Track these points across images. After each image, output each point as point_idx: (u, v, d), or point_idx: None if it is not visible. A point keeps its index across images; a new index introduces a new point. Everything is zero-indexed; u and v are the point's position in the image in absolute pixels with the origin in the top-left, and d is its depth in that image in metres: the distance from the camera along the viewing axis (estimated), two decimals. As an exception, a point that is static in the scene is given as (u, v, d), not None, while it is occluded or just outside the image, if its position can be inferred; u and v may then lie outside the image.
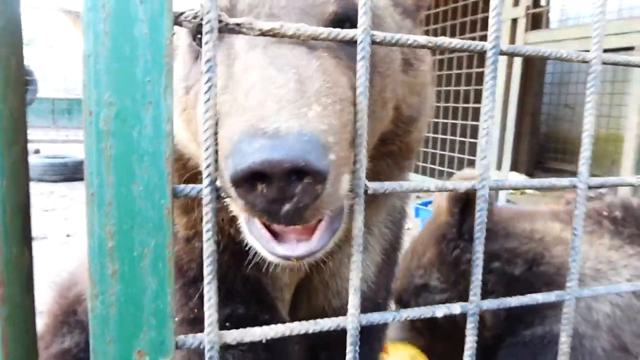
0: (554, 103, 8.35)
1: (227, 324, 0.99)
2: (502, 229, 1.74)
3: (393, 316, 0.62)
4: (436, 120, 5.85)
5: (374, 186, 0.57)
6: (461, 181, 0.62)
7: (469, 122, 5.42)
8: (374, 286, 1.26)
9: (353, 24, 0.59)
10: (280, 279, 1.12)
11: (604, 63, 0.69)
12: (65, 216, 4.30)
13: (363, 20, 0.54)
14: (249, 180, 0.54)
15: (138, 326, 0.50)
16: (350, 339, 0.58)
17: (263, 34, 0.51)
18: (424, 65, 0.99)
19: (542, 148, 8.19)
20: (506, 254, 1.69)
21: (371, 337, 1.36)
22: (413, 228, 3.44)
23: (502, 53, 0.61)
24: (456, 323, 1.76)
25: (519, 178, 5.80)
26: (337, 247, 1.17)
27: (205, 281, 0.52)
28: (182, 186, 0.51)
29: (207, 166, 0.50)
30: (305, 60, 0.67)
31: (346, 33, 0.54)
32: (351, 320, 0.58)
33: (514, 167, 6.76)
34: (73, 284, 1.56)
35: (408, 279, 1.87)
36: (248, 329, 0.55)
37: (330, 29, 0.54)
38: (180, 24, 0.49)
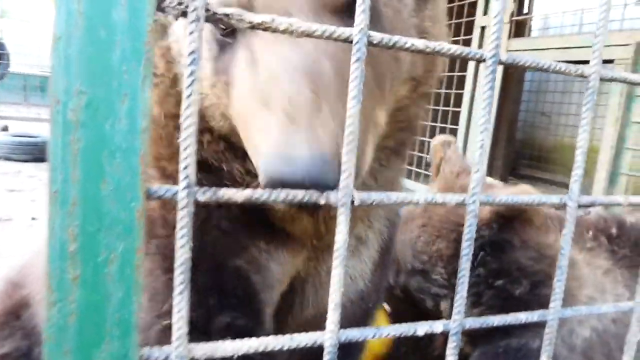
0: (531, 110, 8.47)
1: (226, 333, 0.93)
2: (520, 240, 1.68)
3: (373, 333, 0.59)
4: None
5: (362, 197, 0.54)
6: (451, 196, 0.59)
7: (448, 126, 5.44)
8: (370, 285, 1.23)
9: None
10: (272, 274, 1.05)
11: (602, 79, 0.67)
12: (32, 198, 4.16)
13: (360, 19, 0.50)
14: None
15: (99, 337, 0.46)
16: (326, 356, 0.55)
17: (253, 27, 0.47)
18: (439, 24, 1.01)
19: (518, 155, 8.32)
20: (516, 272, 1.64)
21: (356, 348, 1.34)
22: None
23: (500, 63, 0.58)
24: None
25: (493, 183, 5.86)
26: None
27: (176, 291, 0.48)
28: (156, 187, 0.47)
29: (185, 167, 0.46)
30: (319, 63, 0.73)
31: (342, 32, 0.50)
32: (329, 337, 0.55)
33: (489, 173, 6.85)
34: (20, 284, 1.45)
35: (408, 253, 1.81)
36: (220, 343, 0.51)
37: (325, 26, 0.50)
38: (163, 10, 0.44)
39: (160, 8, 0.44)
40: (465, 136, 4.99)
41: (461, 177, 1.80)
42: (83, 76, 0.42)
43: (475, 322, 0.65)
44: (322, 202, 0.53)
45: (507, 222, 1.64)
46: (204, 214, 0.97)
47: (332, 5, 0.80)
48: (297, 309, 1.15)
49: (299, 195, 0.53)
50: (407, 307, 1.89)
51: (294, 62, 0.72)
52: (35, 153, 5.83)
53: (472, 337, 1.76)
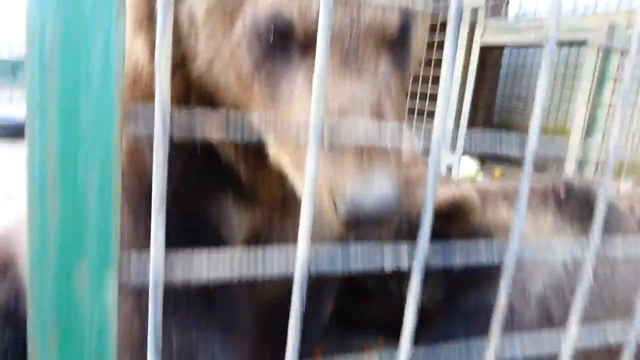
0: (508, 95, 8.62)
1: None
2: (458, 230, 1.77)
3: (342, 266, 0.63)
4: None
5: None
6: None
7: (416, 106, 5.52)
8: None
9: (409, 30, 0.90)
10: (236, 226, 1.12)
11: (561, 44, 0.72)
12: (3, 179, 4.11)
13: None
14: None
15: (77, 257, 0.49)
16: (296, 285, 0.59)
17: None
18: None
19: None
20: None
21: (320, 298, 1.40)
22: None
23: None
24: None
25: (471, 163, 5.98)
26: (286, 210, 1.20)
27: (154, 220, 0.51)
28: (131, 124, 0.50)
29: (161, 101, 0.49)
30: (382, 102, 0.83)
31: None
32: (300, 266, 0.59)
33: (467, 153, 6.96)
34: (4, 247, 1.49)
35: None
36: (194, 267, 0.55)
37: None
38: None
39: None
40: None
41: (414, 167, 1.88)
42: (58, 15, 0.45)
43: (438, 260, 0.70)
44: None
45: (446, 220, 1.72)
46: (178, 166, 1.01)
47: (390, 38, 0.87)
48: None
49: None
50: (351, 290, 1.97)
51: (363, 101, 0.80)
52: (11, 133, 5.80)
53: (436, 301, 1.85)
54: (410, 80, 1.09)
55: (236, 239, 1.13)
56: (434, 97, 5.49)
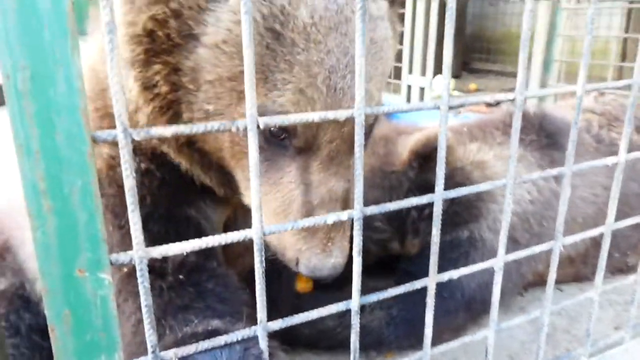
0: (479, 2, 8.49)
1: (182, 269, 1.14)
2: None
3: (292, 225, 0.76)
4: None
5: (265, 120, 0.68)
6: (341, 112, 0.74)
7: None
8: None
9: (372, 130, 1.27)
10: (213, 221, 1.30)
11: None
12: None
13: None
14: None
15: (76, 250, 0.61)
16: (256, 246, 0.72)
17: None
18: None
19: (468, 49, 8.44)
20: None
21: None
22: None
23: (371, -2, 0.71)
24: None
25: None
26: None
27: (130, 209, 0.63)
28: (100, 132, 0.60)
29: (119, 116, 0.59)
30: (348, 192, 1.09)
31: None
32: (255, 232, 0.72)
33: (440, 70, 6.97)
34: None
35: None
36: (170, 244, 0.68)
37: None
38: (78, -8, 0.55)
39: (75, -10, 0.55)
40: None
41: (380, 131, 1.94)
42: (24, 55, 0.54)
43: (375, 209, 0.83)
44: (233, 129, 0.67)
45: (425, 161, 1.78)
46: (158, 178, 1.16)
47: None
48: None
49: (216, 125, 0.67)
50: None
51: (338, 193, 1.06)
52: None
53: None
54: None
55: (215, 230, 1.31)
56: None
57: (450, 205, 1.81)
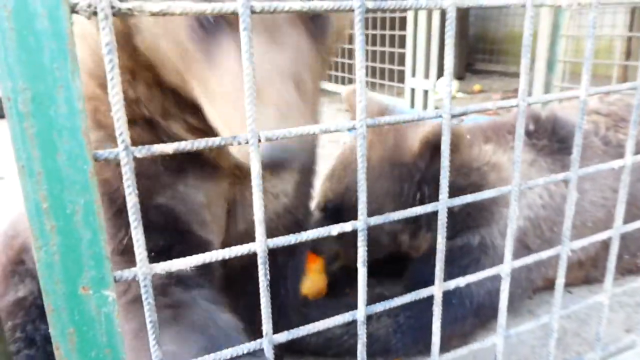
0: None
1: (152, 253, 1.12)
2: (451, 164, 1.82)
3: (295, 238, 0.76)
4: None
5: (267, 134, 0.68)
6: (342, 123, 0.74)
7: (396, 32, 5.47)
8: (293, 200, 1.42)
9: None
10: (194, 201, 1.24)
11: None
12: (-5, 157, 4.16)
13: None
14: None
15: (80, 268, 0.61)
16: (260, 259, 0.72)
17: (154, 14, 0.59)
18: None
19: (472, 50, 8.43)
20: (456, 193, 1.79)
21: (295, 252, 1.54)
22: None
23: (368, 10, 0.71)
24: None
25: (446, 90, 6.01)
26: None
27: (133, 226, 0.63)
28: (101, 151, 0.61)
29: (120, 133, 0.59)
30: (301, 73, 0.95)
31: (228, 7, 0.62)
32: (259, 245, 0.72)
33: (443, 73, 6.97)
34: (16, 234, 1.62)
35: (349, 193, 1.94)
36: (174, 260, 0.67)
37: (213, 4, 0.62)
38: (77, 13, 0.56)
39: (74, 11, 0.56)
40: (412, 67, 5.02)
41: (384, 116, 1.93)
42: (24, 77, 0.54)
43: (378, 220, 0.83)
44: (234, 143, 0.67)
45: (437, 151, 1.75)
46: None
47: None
48: (232, 225, 1.38)
49: (217, 140, 0.67)
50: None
51: (285, 70, 0.93)
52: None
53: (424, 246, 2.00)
54: (333, 50, 1.16)
55: (200, 212, 1.26)
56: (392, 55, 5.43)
57: (464, 207, 1.80)
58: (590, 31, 0.97)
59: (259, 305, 0.75)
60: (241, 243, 0.71)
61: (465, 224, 1.82)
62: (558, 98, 1.03)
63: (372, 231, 1.91)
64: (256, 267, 0.73)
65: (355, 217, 0.79)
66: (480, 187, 1.82)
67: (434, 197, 1.81)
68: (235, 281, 1.43)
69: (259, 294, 0.73)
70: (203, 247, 1.26)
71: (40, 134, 0.56)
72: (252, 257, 0.74)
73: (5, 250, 1.60)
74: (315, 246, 2.01)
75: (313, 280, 1.97)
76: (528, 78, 0.90)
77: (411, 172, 1.83)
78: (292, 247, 1.36)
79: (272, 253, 0.74)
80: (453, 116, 0.83)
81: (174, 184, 1.21)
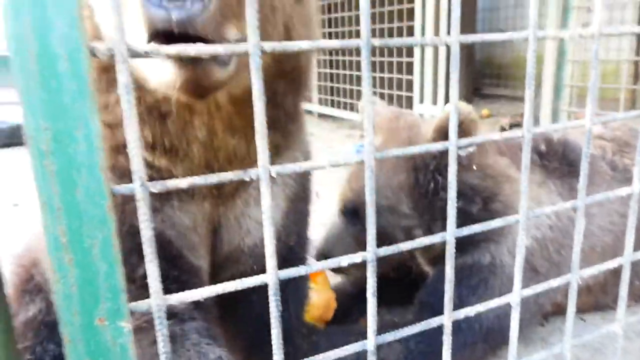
0: (487, 29, 8.57)
1: (146, 281, 1.13)
2: (466, 162, 1.81)
3: (305, 269, 0.77)
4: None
5: (278, 169, 0.70)
6: (347, 159, 0.76)
7: (404, 59, 5.54)
8: (282, 229, 1.43)
9: None
10: (183, 225, 1.26)
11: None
12: (8, 185, 4.23)
13: (254, 36, 0.65)
14: None
15: (96, 300, 0.63)
16: (271, 291, 0.73)
17: (170, 56, 0.62)
18: (299, 34, 1.14)
19: (478, 75, 8.50)
20: (470, 191, 1.80)
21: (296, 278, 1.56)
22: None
23: (374, 47, 0.74)
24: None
25: (463, 105, 6.05)
26: (242, 188, 1.34)
27: (147, 260, 0.64)
28: (118, 187, 0.63)
29: (137, 170, 0.62)
30: None
31: (240, 48, 0.65)
32: (271, 277, 0.73)
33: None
34: (27, 251, 1.65)
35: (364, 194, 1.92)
36: (187, 292, 0.69)
37: (225, 45, 0.64)
38: (96, 56, 0.59)
39: (93, 54, 0.58)
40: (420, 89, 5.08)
41: (400, 119, 1.96)
42: (45, 116, 0.57)
43: (388, 250, 0.84)
44: (246, 178, 0.69)
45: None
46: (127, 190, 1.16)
47: None
48: (218, 247, 1.38)
49: (229, 175, 0.69)
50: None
51: None
52: (1, 139, 5.80)
53: (431, 259, 2.00)
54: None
55: (188, 235, 1.28)
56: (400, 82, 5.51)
57: (474, 221, 1.81)
58: (593, 62, 0.99)
59: (255, 332, 0.76)
60: (225, 266, 0.73)
61: (475, 237, 1.81)
62: (564, 128, 1.04)
63: (386, 228, 1.90)
64: (253, 292, 0.74)
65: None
66: (495, 194, 1.82)
67: (445, 188, 1.81)
68: (229, 309, 1.44)
69: (254, 320, 0.74)
70: (194, 272, 1.27)
71: (60, 171, 0.59)
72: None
73: (16, 270, 1.62)
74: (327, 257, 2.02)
75: (319, 293, 1.96)
76: (533, 108, 0.91)
77: (425, 160, 1.82)
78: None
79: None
80: (459, 148, 0.85)
81: (162, 207, 1.23)
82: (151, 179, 1.18)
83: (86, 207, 0.60)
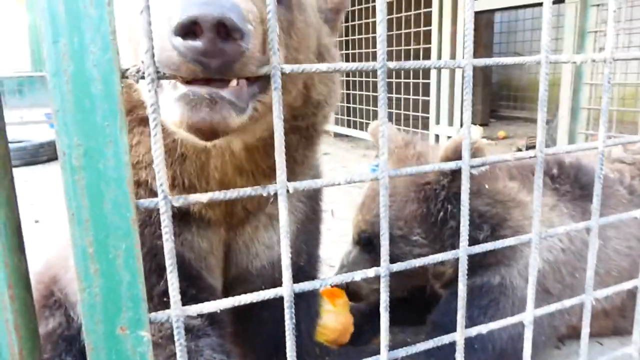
0: (504, 52, 8.60)
1: (164, 299, 1.16)
2: (475, 188, 1.84)
3: (320, 283, 0.79)
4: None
5: (295, 185, 0.73)
6: (366, 174, 0.78)
7: (421, 80, 5.58)
8: (292, 250, 1.48)
9: None
10: (201, 248, 1.33)
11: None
12: (31, 202, 4.33)
13: (275, 58, 0.68)
14: (189, 30, 0.72)
15: (118, 309, 0.66)
16: (286, 303, 0.76)
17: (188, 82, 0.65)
18: (335, 61, 1.17)
19: (495, 97, 8.51)
20: (478, 219, 1.82)
21: (306, 295, 1.58)
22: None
23: (390, 69, 0.77)
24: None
25: (473, 129, 6.05)
26: (252, 215, 1.39)
27: (168, 270, 0.67)
28: (142, 200, 0.66)
29: (161, 185, 0.65)
30: None
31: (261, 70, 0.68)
32: (286, 289, 0.75)
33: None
34: (47, 269, 1.69)
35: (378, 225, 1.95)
36: (205, 303, 0.71)
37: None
38: (127, 77, 0.62)
39: (124, 76, 0.62)
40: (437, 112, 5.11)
41: (410, 148, 1.99)
42: (78, 134, 0.61)
43: (401, 266, 0.85)
44: (264, 193, 0.72)
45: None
46: (146, 214, 1.22)
47: None
48: (227, 270, 1.45)
49: (248, 191, 0.72)
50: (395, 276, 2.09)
51: None
52: (25, 157, 5.94)
53: (443, 284, 2.00)
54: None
55: (207, 258, 1.35)
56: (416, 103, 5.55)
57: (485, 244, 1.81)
58: (605, 86, 1.01)
59: (267, 348, 0.77)
60: (235, 285, 0.75)
61: (485, 261, 1.81)
62: (577, 149, 1.06)
63: (400, 257, 1.91)
64: (264, 308, 0.76)
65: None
66: (504, 220, 1.83)
67: (454, 216, 1.83)
68: (242, 326, 1.48)
69: (267, 337, 0.75)
70: (211, 291, 1.32)
71: (90, 185, 0.62)
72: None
73: (37, 287, 1.66)
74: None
75: (338, 316, 1.96)
76: (545, 129, 0.93)
77: (435, 191, 1.85)
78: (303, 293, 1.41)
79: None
80: (472, 167, 0.87)
81: (182, 232, 1.29)
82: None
83: (112, 219, 0.63)
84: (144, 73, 0.62)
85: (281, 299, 0.76)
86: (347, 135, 7.21)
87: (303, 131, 1.26)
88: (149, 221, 1.24)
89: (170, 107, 0.82)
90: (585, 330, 1.08)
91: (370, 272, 0.83)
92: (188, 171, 1.18)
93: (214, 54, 0.74)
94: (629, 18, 4.78)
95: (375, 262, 2.07)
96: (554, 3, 0.84)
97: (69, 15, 0.58)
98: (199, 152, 1.17)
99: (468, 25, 0.82)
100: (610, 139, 1.05)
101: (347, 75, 7.17)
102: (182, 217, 1.28)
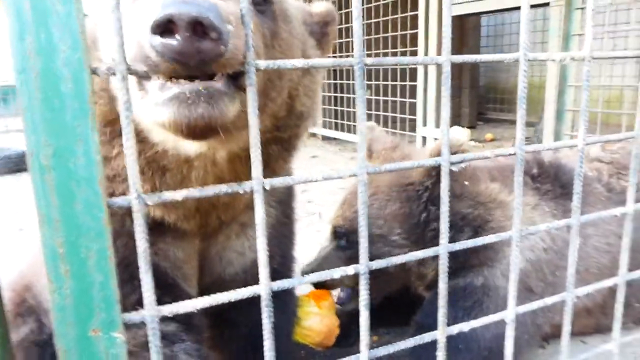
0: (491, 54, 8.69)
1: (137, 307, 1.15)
2: (458, 192, 1.84)
3: (299, 281, 0.78)
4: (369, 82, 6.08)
5: (271, 182, 0.72)
6: (344, 171, 0.78)
7: (408, 83, 5.60)
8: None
9: None
10: (177, 257, 1.34)
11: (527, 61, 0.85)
12: (15, 210, 4.27)
13: (250, 54, 0.68)
14: (166, 28, 0.70)
15: (91, 311, 0.65)
16: (264, 302, 0.75)
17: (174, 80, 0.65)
18: (319, 75, 1.18)
19: (483, 100, 8.57)
20: (460, 221, 1.82)
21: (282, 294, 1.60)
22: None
23: (367, 65, 0.76)
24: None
25: (461, 132, 6.08)
26: (225, 225, 1.40)
27: (142, 271, 0.66)
28: (114, 199, 0.65)
29: (134, 183, 0.64)
30: None
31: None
32: (264, 288, 0.75)
33: (457, 121, 7.07)
34: (21, 277, 1.66)
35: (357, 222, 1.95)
36: (180, 302, 0.70)
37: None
38: (97, 75, 0.62)
39: (94, 72, 0.61)
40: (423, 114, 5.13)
41: (397, 151, 1.99)
42: (47, 133, 0.60)
43: (380, 263, 0.85)
44: (240, 191, 0.71)
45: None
46: (118, 225, 1.21)
47: None
48: (202, 278, 1.46)
49: (224, 188, 0.71)
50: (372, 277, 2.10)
51: None
52: (9, 165, 5.86)
53: (426, 286, 2.00)
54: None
55: (183, 267, 1.37)
56: (403, 105, 5.55)
57: (463, 251, 1.82)
58: (584, 84, 1.01)
59: (244, 352, 0.76)
60: (210, 293, 0.74)
61: (468, 262, 1.81)
62: (556, 147, 1.06)
63: (378, 257, 1.90)
64: (240, 313, 0.75)
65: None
66: (486, 222, 1.83)
67: (437, 219, 1.80)
68: (221, 329, 1.48)
69: (243, 340, 0.74)
70: (187, 299, 1.31)
71: (60, 184, 0.61)
72: (235, 303, 0.76)
73: (9, 294, 1.63)
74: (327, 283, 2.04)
75: (323, 318, 1.95)
76: (524, 128, 0.94)
77: (418, 192, 1.85)
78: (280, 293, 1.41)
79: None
80: (452, 163, 0.87)
81: (156, 242, 1.29)
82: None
83: (84, 219, 0.62)
84: (114, 71, 0.61)
85: (258, 301, 0.75)
86: (335, 138, 7.22)
87: (285, 142, 1.27)
88: (121, 231, 1.22)
89: (160, 109, 0.79)
90: (567, 328, 1.08)
91: (350, 270, 0.82)
92: (168, 183, 1.17)
93: (191, 52, 0.72)
94: (614, 22, 4.84)
95: (349, 260, 2.07)
96: (539, 6, 0.84)
97: (34, 12, 0.57)
98: (180, 164, 1.15)
99: (446, 22, 0.82)
100: (590, 137, 1.06)
101: (335, 78, 7.18)
102: (156, 228, 1.27)
